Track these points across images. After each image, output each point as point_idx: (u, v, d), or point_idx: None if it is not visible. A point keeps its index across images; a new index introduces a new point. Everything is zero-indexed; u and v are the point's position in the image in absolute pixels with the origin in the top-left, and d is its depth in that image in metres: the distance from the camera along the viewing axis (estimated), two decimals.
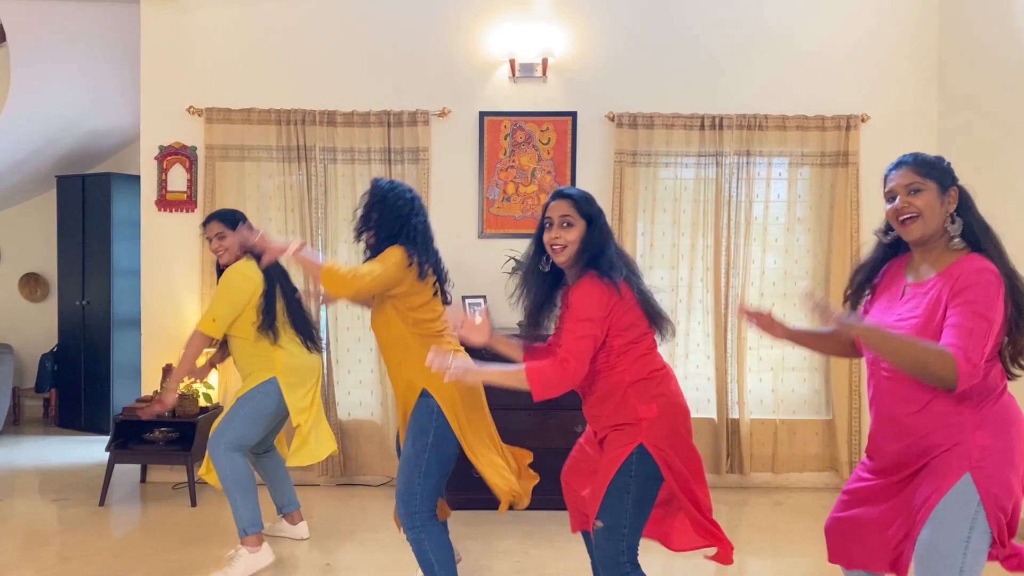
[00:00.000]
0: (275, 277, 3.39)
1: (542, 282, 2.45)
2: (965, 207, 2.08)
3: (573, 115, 4.64)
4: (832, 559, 2.20)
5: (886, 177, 2.11)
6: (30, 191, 6.52)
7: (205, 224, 3.52)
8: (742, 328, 4.59)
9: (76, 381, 6.15)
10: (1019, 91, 3.84)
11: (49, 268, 6.58)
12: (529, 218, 4.67)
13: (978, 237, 2.04)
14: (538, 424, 4.12)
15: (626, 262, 2.40)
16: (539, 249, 2.43)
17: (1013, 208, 3.90)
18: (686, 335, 4.61)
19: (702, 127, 4.56)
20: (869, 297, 2.22)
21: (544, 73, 4.60)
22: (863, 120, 4.58)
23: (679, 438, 2.32)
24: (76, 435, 5.99)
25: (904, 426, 2.02)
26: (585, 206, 2.38)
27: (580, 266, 2.35)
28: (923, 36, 4.62)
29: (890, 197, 2.08)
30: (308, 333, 3.47)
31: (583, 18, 4.65)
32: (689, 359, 4.63)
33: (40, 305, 6.65)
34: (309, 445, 3.44)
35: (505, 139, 4.67)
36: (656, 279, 4.54)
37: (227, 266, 3.41)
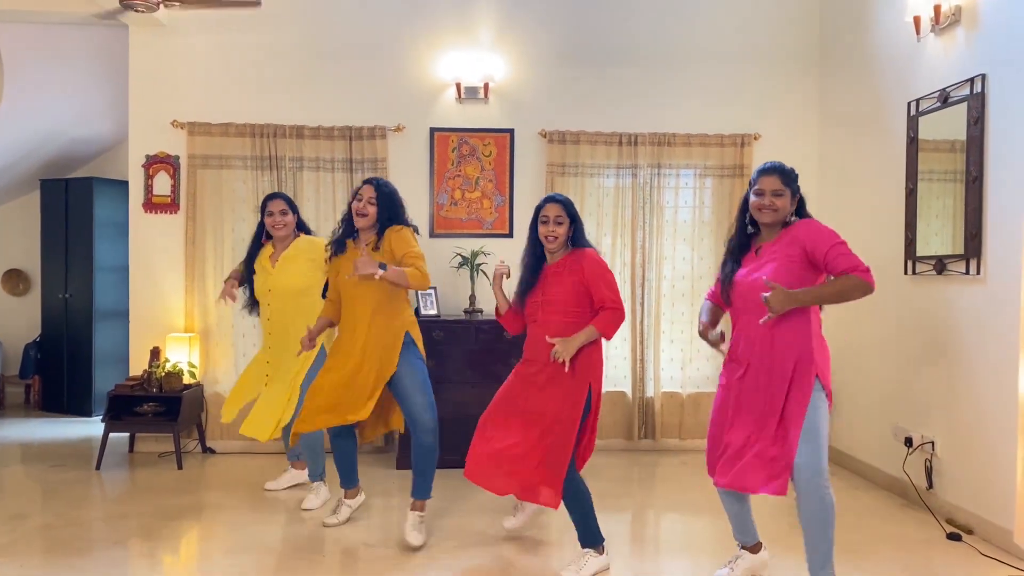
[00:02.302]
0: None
1: (535, 264, 3.38)
2: (802, 205, 2.97)
3: (511, 132, 5.39)
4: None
5: (758, 176, 2.92)
6: (14, 193, 7.02)
7: (269, 199, 4.08)
8: (657, 316, 5.38)
9: (59, 368, 6.68)
10: (874, 116, 4.69)
11: (31, 265, 7.09)
12: (473, 220, 5.40)
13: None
14: (481, 397, 4.80)
15: None
16: (535, 238, 3.37)
17: (867, 206, 4.75)
18: None
19: (620, 143, 5.34)
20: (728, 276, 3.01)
21: (486, 95, 5.34)
22: (755, 138, 5.41)
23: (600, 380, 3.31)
24: (60, 417, 6.53)
25: (770, 347, 2.83)
26: (571, 209, 3.36)
27: (564, 251, 3.34)
28: (805, 66, 5.47)
29: (758, 193, 2.91)
30: None
31: (520, 49, 5.40)
32: (609, 341, 5.38)
33: (22, 299, 7.15)
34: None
35: (452, 152, 5.39)
36: None
37: (281, 240, 4.07)
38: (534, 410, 3.27)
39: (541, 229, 3.32)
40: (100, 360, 6.54)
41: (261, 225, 4.17)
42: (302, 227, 4.22)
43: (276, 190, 5.19)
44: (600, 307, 3.24)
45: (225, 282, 4.20)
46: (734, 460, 2.85)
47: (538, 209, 3.36)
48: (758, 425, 2.84)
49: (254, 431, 4.03)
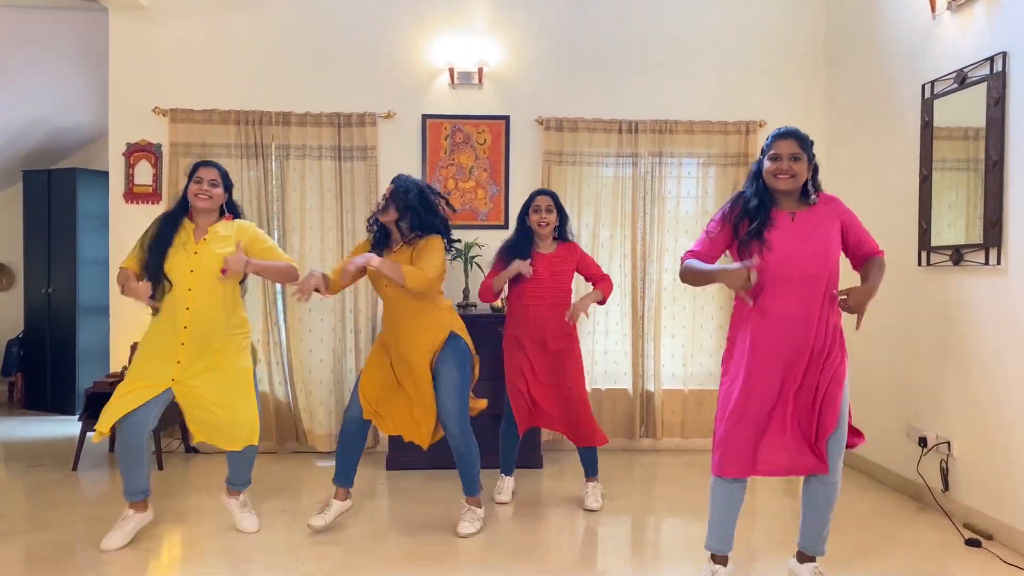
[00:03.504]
0: None
1: (525, 249, 3.89)
2: (815, 173, 2.84)
3: (506, 119, 5.18)
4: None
5: (774, 141, 2.77)
6: None
7: (202, 165, 3.46)
8: (658, 310, 5.18)
9: (42, 365, 6.49)
10: (885, 100, 4.48)
11: (13, 259, 6.89)
12: (467, 211, 5.19)
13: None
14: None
15: None
16: (524, 225, 3.90)
17: (879, 194, 4.55)
18: (606, 315, 5.17)
19: (620, 131, 5.13)
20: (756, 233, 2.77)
21: (480, 81, 5.13)
22: (760, 125, 5.19)
23: None
24: (43, 415, 6.34)
25: (811, 326, 2.72)
26: (558, 201, 3.94)
27: (554, 243, 3.92)
28: (812, 53, 5.26)
29: (775, 157, 2.74)
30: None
31: (515, 33, 5.19)
32: (609, 336, 5.20)
33: (4, 294, 6.96)
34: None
35: (445, 139, 5.18)
36: None
37: (204, 213, 3.43)
38: (559, 380, 3.89)
39: (534, 217, 3.86)
40: (84, 356, 6.35)
41: (185, 196, 3.48)
42: (233, 208, 3.58)
43: (263, 179, 5.01)
44: (598, 279, 3.95)
45: (126, 284, 3.28)
46: (790, 448, 2.75)
47: (529, 200, 3.91)
48: (804, 408, 2.77)
49: (225, 440, 3.47)
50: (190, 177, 3.47)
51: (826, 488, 2.82)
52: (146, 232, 3.48)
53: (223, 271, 3.34)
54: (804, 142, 2.76)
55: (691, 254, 2.84)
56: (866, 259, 2.85)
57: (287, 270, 3.51)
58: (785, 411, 2.75)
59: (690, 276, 2.81)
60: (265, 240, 3.54)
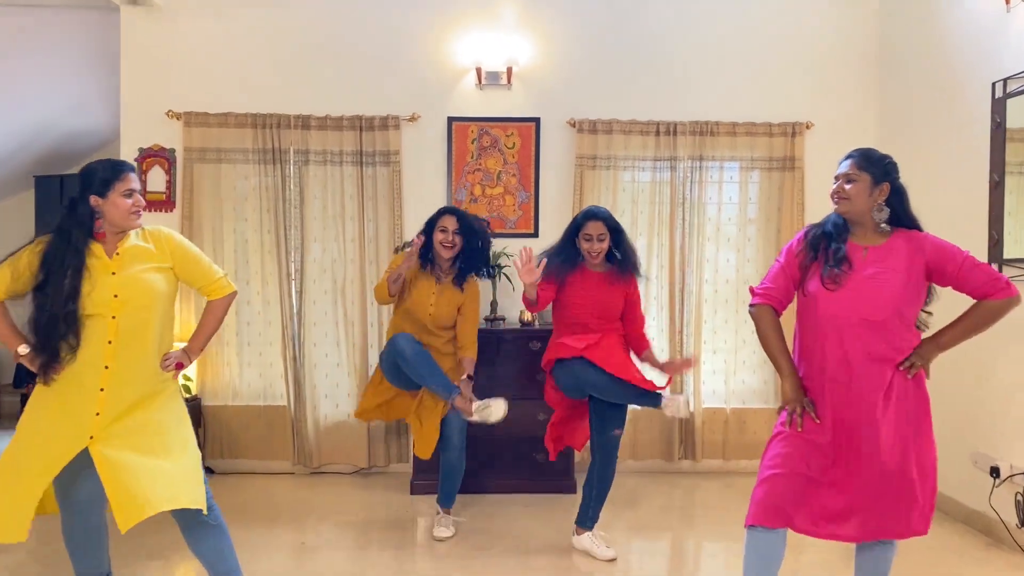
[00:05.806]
0: None
1: (570, 268, 3.53)
2: (899, 199, 2.51)
3: (537, 121, 4.89)
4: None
5: (840, 164, 2.55)
6: (6, 191, 6.64)
7: (127, 171, 2.60)
8: (698, 324, 4.88)
9: None
10: (949, 100, 4.16)
11: None
12: (495, 218, 4.91)
13: (909, 225, 2.52)
14: (526, 411, 4.34)
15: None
16: (573, 249, 3.52)
17: (941, 202, 4.21)
18: None
19: (658, 133, 4.83)
20: (811, 262, 2.53)
21: (509, 81, 4.85)
22: (807, 127, 4.88)
23: None
24: None
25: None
26: (612, 222, 3.56)
27: (603, 261, 3.57)
28: (863, 49, 4.93)
29: (835, 180, 2.52)
30: None
31: (546, 30, 4.90)
32: None
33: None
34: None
35: (472, 143, 4.91)
36: None
37: (131, 228, 2.63)
38: None
39: (585, 244, 3.51)
40: None
41: (90, 213, 2.54)
42: None
43: (280, 186, 4.76)
44: (641, 322, 3.76)
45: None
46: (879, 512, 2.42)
47: (579, 225, 3.53)
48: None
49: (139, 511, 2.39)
50: (107, 187, 2.54)
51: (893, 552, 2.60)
52: (18, 257, 2.58)
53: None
54: (865, 160, 2.48)
55: (764, 295, 2.58)
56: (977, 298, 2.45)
57: (225, 306, 2.82)
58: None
59: (759, 331, 2.62)
60: (192, 253, 2.72)
